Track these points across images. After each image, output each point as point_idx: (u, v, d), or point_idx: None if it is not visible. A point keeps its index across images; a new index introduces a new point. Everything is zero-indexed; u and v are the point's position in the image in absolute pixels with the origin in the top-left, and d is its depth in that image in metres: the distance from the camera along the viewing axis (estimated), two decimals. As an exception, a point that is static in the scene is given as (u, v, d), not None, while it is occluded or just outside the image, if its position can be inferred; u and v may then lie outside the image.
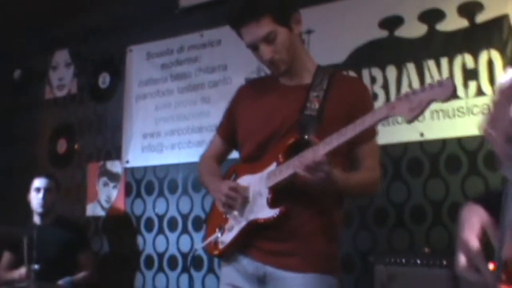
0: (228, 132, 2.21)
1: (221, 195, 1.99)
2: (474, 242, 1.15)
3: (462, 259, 1.17)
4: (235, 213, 1.99)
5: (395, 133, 3.26)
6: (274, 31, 1.93)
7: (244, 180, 2.01)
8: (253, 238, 1.97)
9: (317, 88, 1.99)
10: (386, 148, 3.21)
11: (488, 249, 1.17)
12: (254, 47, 1.99)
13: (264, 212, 1.92)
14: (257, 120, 2.07)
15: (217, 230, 2.04)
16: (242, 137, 2.13)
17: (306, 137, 1.86)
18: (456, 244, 1.20)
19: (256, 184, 1.96)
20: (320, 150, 1.79)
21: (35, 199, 3.80)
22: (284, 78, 2.08)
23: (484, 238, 1.17)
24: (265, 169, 1.95)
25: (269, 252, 1.95)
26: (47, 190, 3.82)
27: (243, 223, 1.96)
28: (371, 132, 1.98)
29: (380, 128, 3.17)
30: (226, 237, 2.01)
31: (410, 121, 1.65)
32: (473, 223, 1.19)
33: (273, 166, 1.93)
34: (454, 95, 1.60)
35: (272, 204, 1.91)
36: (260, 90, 2.16)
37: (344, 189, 1.94)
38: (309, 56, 2.12)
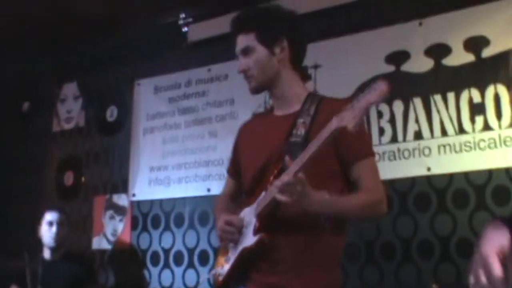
0: (235, 170, 2.27)
1: (218, 229, 2.06)
2: (495, 264, 1.15)
3: (478, 274, 1.16)
4: (232, 245, 2.03)
5: (402, 167, 3.31)
6: (252, 46, 2.04)
7: (243, 213, 2.05)
8: (248, 269, 1.99)
9: (304, 115, 2.02)
10: (393, 183, 3.26)
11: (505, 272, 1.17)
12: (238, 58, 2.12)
13: (249, 240, 1.94)
14: (251, 155, 2.14)
15: (220, 266, 2.09)
16: (242, 174, 2.20)
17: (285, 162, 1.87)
18: (474, 256, 1.20)
19: (249, 215, 2.00)
20: (290, 171, 1.80)
21: (48, 233, 3.77)
22: (276, 108, 2.15)
23: (503, 260, 1.18)
24: (257, 199, 1.99)
25: (263, 285, 1.95)
26: (60, 224, 3.81)
27: (236, 254, 2.00)
28: (361, 150, 1.98)
29: (386, 162, 3.30)
30: (224, 269, 2.05)
31: (352, 129, 1.66)
32: (495, 242, 1.19)
33: (262, 195, 1.96)
34: (387, 95, 1.62)
35: (257, 231, 1.92)
36: (256, 125, 2.25)
37: (331, 212, 1.89)
38: (300, 85, 2.14)
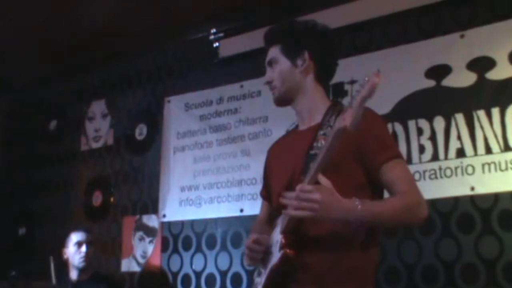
0: (267, 192, 2.31)
1: (245, 248, 2.12)
2: None
3: None
4: (262, 265, 2.06)
5: (443, 187, 3.30)
6: (276, 58, 2.17)
7: (274, 232, 2.07)
8: None
9: (324, 126, 2.04)
10: (434, 203, 3.25)
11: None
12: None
13: (276, 258, 1.96)
14: (277, 174, 2.19)
15: (255, 285, 2.12)
16: (271, 194, 2.24)
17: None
18: None
19: (277, 233, 2.02)
20: (304, 181, 1.82)
21: (77, 253, 3.85)
22: (301, 123, 2.20)
23: None
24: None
25: None
26: (89, 244, 3.90)
27: (266, 273, 2.03)
28: (385, 153, 1.96)
29: (427, 182, 3.30)
30: None
31: (351, 128, 1.67)
32: None
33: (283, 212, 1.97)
34: (375, 87, 1.63)
35: (281, 248, 1.93)
36: (282, 144, 2.31)
37: (363, 218, 1.83)
38: (323, 98, 2.19)
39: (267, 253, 2.02)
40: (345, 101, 3.70)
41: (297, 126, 2.25)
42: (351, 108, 1.68)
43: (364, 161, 1.96)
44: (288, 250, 1.91)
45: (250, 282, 3.88)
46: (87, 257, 3.85)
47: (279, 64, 2.16)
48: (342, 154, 1.86)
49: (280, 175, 2.13)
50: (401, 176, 1.95)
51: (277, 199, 2.08)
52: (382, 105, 3.51)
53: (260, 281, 2.06)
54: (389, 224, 2.03)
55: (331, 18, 3.83)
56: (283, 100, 2.19)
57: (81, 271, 3.87)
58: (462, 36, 3.43)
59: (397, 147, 2.10)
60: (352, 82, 3.75)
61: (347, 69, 3.71)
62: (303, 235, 1.94)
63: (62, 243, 4.01)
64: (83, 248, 3.86)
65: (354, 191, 1.91)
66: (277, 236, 2.00)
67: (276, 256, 1.96)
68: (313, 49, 2.14)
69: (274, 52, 2.18)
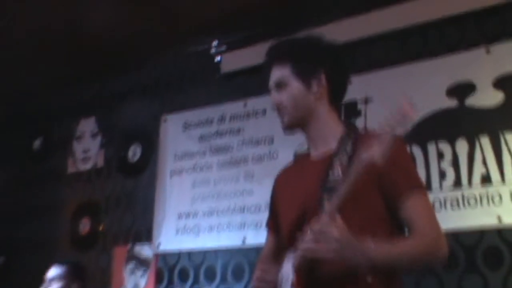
0: (275, 223, 2.31)
1: (254, 280, 2.10)
2: None
3: None
4: None
5: (467, 217, 3.28)
6: (286, 80, 2.11)
7: (283, 268, 2.06)
8: None
9: (340, 154, 2.05)
10: (457, 236, 3.23)
11: None
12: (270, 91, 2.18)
13: None
14: (287, 205, 2.19)
15: None
16: (281, 225, 2.23)
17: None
18: None
19: (287, 269, 2.01)
20: (322, 217, 1.82)
21: None
22: (313, 149, 2.19)
23: None
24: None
25: None
26: (60, 283, 3.76)
27: None
28: (406, 184, 1.97)
29: (449, 211, 3.30)
30: None
31: (380, 162, 1.69)
32: None
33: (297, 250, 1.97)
34: (406, 118, 1.65)
35: (295, 287, 1.93)
36: (291, 172, 2.30)
37: (377, 263, 1.83)
38: (337, 123, 2.19)
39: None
40: (358, 122, 3.72)
41: (307, 152, 2.24)
42: (379, 138, 1.69)
43: (384, 190, 1.97)
44: None
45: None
46: None
47: (290, 87, 2.11)
48: (360, 182, 1.85)
49: (291, 206, 2.12)
50: (420, 211, 1.96)
51: (288, 232, 2.11)
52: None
53: None
54: (403, 268, 2.00)
55: (344, 30, 3.88)
56: (295, 125, 2.16)
57: None
58: (488, 51, 3.45)
59: (419, 175, 2.10)
60: (367, 101, 3.77)
61: (361, 86, 3.76)
62: (317, 273, 1.93)
63: (44, 275, 3.94)
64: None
65: (372, 223, 1.94)
66: (288, 273, 2.00)
67: None
68: (329, 69, 2.13)
69: (283, 72, 2.11)
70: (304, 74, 2.11)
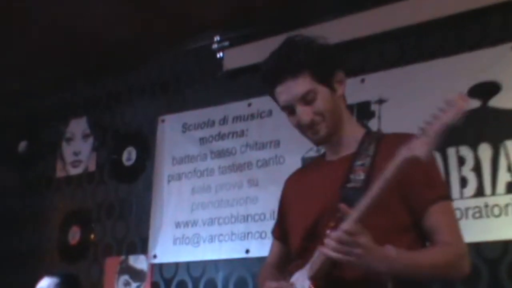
0: (282, 231, 2.32)
1: None
2: None
3: None
4: None
5: (490, 228, 3.26)
6: (314, 89, 2.06)
7: (293, 278, 2.06)
8: None
9: (362, 156, 2.05)
10: (479, 248, 3.22)
11: None
12: (290, 109, 2.11)
13: None
14: (300, 210, 2.17)
15: None
16: (290, 233, 2.23)
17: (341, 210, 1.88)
18: None
19: (301, 278, 2.01)
20: (350, 219, 1.81)
21: None
22: (329, 153, 2.19)
23: None
24: (310, 259, 2.00)
25: None
26: None
27: None
28: (432, 193, 1.99)
29: (470, 221, 3.28)
30: None
31: (424, 159, 1.67)
32: None
33: (317, 254, 1.96)
34: (465, 113, 1.64)
35: None
36: (303, 177, 2.30)
37: (398, 271, 1.87)
38: (356, 123, 2.24)
39: None
40: (372, 123, 3.70)
41: (322, 156, 2.24)
42: (424, 135, 1.68)
43: (409, 198, 1.98)
44: None
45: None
46: None
47: (319, 94, 2.07)
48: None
49: (305, 213, 2.11)
50: (445, 222, 1.99)
51: (299, 241, 2.11)
52: (415, 128, 3.50)
53: None
54: (424, 278, 2.02)
55: (355, 26, 3.88)
56: (332, 136, 2.12)
57: None
58: (513, 48, 3.43)
59: (445, 184, 2.09)
60: (381, 101, 3.75)
61: (374, 86, 3.76)
62: (335, 280, 1.94)
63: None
64: None
65: (396, 232, 1.95)
66: (301, 282, 2.00)
67: None
68: (343, 67, 2.14)
69: (306, 82, 2.06)
70: (327, 78, 2.10)
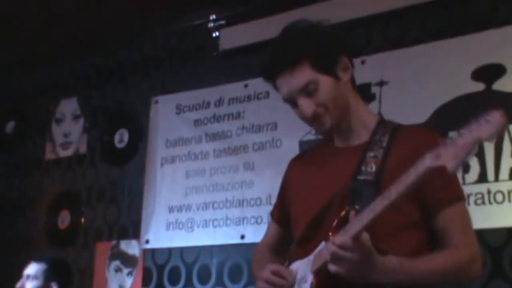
0: (282, 214, 2.31)
1: (261, 282, 2.08)
2: None
3: None
4: None
5: (493, 215, 3.28)
6: (315, 80, 2.02)
7: (294, 266, 2.07)
8: None
9: (375, 147, 2.03)
10: (481, 235, 3.19)
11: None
12: (292, 102, 2.08)
13: None
14: (306, 198, 2.16)
15: None
16: (294, 219, 2.22)
17: (353, 209, 1.88)
18: None
19: (303, 269, 2.01)
20: (350, 230, 1.81)
21: None
22: (338, 139, 2.16)
23: None
24: (314, 250, 2.00)
25: None
26: (28, 279, 3.80)
27: None
28: (449, 194, 1.97)
29: (472, 208, 3.29)
30: None
31: (452, 171, 1.64)
32: None
33: (321, 246, 1.96)
34: (501, 131, 1.61)
35: None
36: (311, 161, 2.27)
37: (402, 281, 1.88)
38: (367, 110, 2.20)
39: None
40: (372, 106, 3.70)
41: (330, 139, 2.20)
42: (454, 145, 1.64)
43: (423, 198, 1.96)
44: None
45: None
46: None
47: (321, 84, 2.03)
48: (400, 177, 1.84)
49: (312, 201, 2.10)
50: (458, 225, 1.98)
51: (303, 229, 2.11)
52: (417, 112, 3.52)
53: None
54: (432, 285, 2.02)
55: (358, 4, 3.88)
56: (337, 126, 2.09)
57: None
58: (520, 29, 3.43)
59: (460, 185, 2.09)
60: (382, 83, 3.76)
61: (375, 68, 3.76)
62: (338, 278, 1.90)
63: (19, 275, 3.93)
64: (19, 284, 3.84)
65: (406, 229, 1.95)
66: (303, 272, 2.00)
67: None
68: (347, 52, 2.10)
69: (305, 73, 2.02)
70: (328, 66, 2.05)
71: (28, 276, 3.85)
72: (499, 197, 3.32)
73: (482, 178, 3.39)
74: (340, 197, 1.99)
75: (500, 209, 3.29)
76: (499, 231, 3.29)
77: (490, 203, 3.32)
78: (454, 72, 3.56)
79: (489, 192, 3.35)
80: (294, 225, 2.21)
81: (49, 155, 5.23)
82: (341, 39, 2.14)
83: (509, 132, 3.35)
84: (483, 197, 3.35)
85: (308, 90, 2.02)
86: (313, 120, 2.06)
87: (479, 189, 3.37)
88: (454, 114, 3.49)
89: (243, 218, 4.11)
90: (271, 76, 2.09)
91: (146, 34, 4.81)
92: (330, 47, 2.08)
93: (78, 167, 5.03)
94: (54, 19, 4.65)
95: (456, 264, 1.94)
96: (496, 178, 3.35)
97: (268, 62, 2.09)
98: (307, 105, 2.03)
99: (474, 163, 3.40)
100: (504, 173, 3.34)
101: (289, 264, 2.12)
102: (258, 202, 4.07)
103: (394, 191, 1.75)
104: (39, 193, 5.19)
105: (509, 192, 3.30)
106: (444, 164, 1.63)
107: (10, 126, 5.53)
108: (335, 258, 1.81)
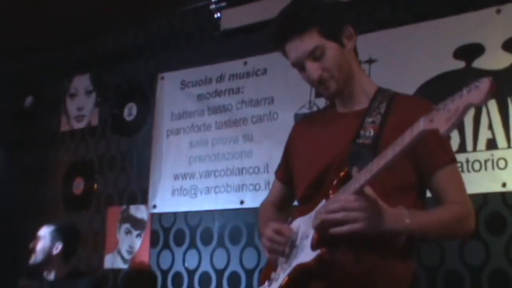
0: (286, 174, 2.32)
1: (265, 240, 2.09)
2: None
3: None
4: (282, 259, 2.05)
5: (471, 182, 3.22)
6: (322, 45, 2.03)
7: (296, 223, 2.08)
8: None
9: (373, 113, 2.04)
10: (460, 200, 3.25)
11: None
12: (300, 66, 2.10)
13: (306, 255, 1.94)
14: (308, 157, 2.17)
15: (266, 282, 2.10)
16: (296, 178, 2.23)
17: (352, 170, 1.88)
18: None
19: (305, 225, 2.01)
20: (352, 187, 1.82)
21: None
22: (340, 105, 2.17)
23: None
24: (315, 208, 2.00)
25: None
26: (36, 240, 3.81)
27: (288, 270, 2.00)
28: (443, 156, 1.99)
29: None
30: None
31: (444, 134, 1.62)
32: None
33: (322, 204, 1.97)
34: (490, 96, 1.59)
35: (316, 246, 1.92)
36: (314, 124, 2.27)
37: (409, 231, 1.88)
38: (368, 78, 2.21)
39: (291, 246, 2.02)
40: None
41: (332, 105, 2.22)
42: (446, 109, 1.61)
43: (419, 159, 1.97)
44: (325, 251, 1.90)
45: (249, 283, 3.95)
46: (32, 253, 3.84)
47: (328, 50, 2.03)
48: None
49: (314, 162, 2.11)
50: (454, 184, 2.00)
51: (305, 188, 2.12)
52: (403, 88, 3.42)
53: (277, 276, 2.05)
54: (434, 237, 2.09)
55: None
56: (341, 90, 2.10)
57: (55, 269, 3.83)
58: (498, 11, 3.41)
59: (452, 149, 2.10)
60: (371, 61, 3.75)
61: (365, 46, 3.67)
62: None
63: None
64: (31, 244, 3.85)
65: (401, 190, 1.96)
66: (304, 229, 2.00)
67: (307, 253, 1.94)
68: (351, 21, 2.11)
69: (313, 38, 2.03)
70: (335, 33, 2.06)
71: (38, 237, 3.87)
72: (476, 166, 3.33)
73: (462, 148, 3.39)
74: (340, 159, 2.00)
75: (477, 177, 3.30)
76: (476, 197, 3.25)
77: (468, 171, 3.33)
78: (437, 51, 3.55)
79: (467, 161, 3.36)
80: (296, 184, 2.23)
81: (64, 127, 5.25)
82: (345, 10, 2.17)
83: (486, 105, 3.35)
84: (462, 166, 3.34)
85: (315, 55, 2.04)
86: (319, 83, 2.08)
87: (458, 158, 3.23)
88: (436, 90, 3.50)
89: (243, 185, 4.13)
90: (281, 42, 2.09)
91: (152, 17, 4.78)
92: (336, 16, 2.09)
93: (91, 138, 5.04)
94: (72, 3, 4.61)
95: (457, 218, 1.96)
96: (474, 148, 3.36)
97: (279, 29, 2.10)
98: (314, 68, 2.05)
99: (454, 134, 3.40)
100: (481, 144, 3.34)
101: (292, 221, 2.13)
102: (256, 171, 4.09)
103: (390, 153, 1.75)
104: (55, 163, 5.21)
105: (485, 161, 3.31)
106: (437, 127, 1.62)
107: (28, 100, 5.52)
108: (344, 215, 1.80)
